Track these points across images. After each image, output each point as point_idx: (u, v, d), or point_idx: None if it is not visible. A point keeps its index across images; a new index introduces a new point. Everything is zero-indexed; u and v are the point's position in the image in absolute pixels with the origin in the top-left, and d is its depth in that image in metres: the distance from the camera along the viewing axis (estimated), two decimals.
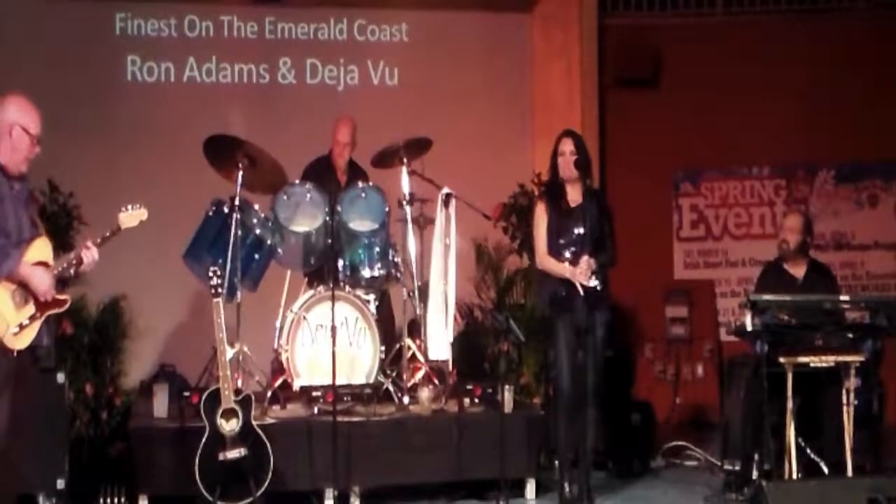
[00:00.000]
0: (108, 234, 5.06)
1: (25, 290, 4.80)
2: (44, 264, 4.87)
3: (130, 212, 5.15)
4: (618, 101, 9.52)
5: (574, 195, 6.30)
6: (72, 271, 4.95)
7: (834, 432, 6.20)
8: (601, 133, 9.37)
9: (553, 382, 6.65)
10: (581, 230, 6.19)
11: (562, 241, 6.22)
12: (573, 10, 9.38)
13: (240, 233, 6.50)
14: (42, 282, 4.82)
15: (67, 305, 4.96)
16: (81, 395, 6.73)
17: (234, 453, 5.73)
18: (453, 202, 6.83)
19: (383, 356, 6.71)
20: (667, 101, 9.47)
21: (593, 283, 6.05)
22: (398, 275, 6.91)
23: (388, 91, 9.14)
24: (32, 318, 4.83)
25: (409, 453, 6.38)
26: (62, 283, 4.96)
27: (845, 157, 9.48)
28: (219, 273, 5.97)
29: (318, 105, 8.67)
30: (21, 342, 4.77)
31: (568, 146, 6.28)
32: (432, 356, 6.82)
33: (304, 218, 6.75)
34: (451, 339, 6.81)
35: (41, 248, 4.89)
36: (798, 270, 6.81)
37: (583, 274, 6.04)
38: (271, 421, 6.32)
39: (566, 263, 6.15)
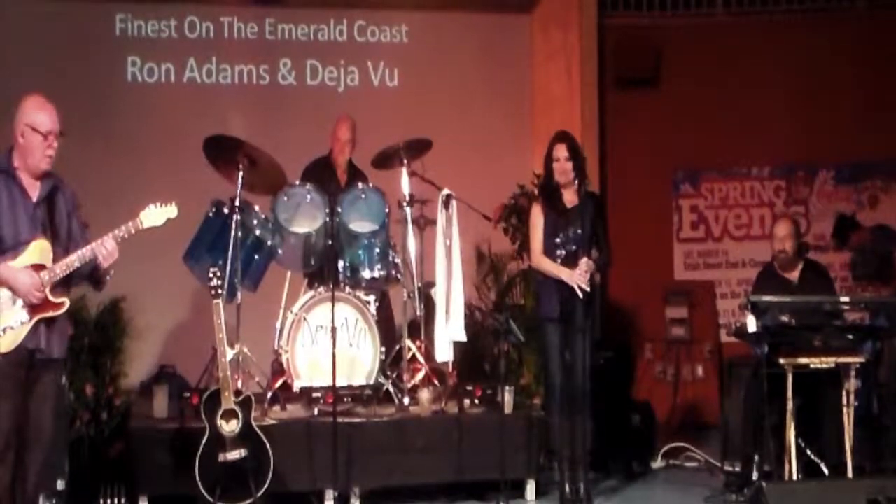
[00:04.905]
0: (123, 232, 4.87)
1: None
2: (39, 266, 4.77)
3: (154, 209, 4.96)
4: (618, 101, 9.52)
5: (570, 197, 6.32)
6: (79, 269, 4.81)
7: (834, 433, 6.21)
8: (601, 133, 9.37)
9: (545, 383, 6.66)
10: (576, 231, 6.21)
11: (557, 242, 6.24)
12: (573, 10, 9.37)
13: (240, 234, 6.50)
14: (21, 284, 4.70)
15: (64, 309, 4.84)
16: (81, 395, 6.71)
17: (234, 454, 5.72)
18: (453, 203, 6.83)
19: (383, 357, 6.71)
20: (667, 101, 9.47)
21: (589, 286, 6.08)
22: (398, 276, 6.91)
23: (388, 92, 9.13)
24: (22, 322, 4.74)
25: (409, 454, 6.39)
26: (66, 283, 4.85)
27: (845, 157, 9.47)
28: (219, 274, 5.96)
29: (319, 106, 8.66)
30: (4, 345, 4.69)
31: (562, 152, 6.29)
32: (439, 359, 6.82)
33: (304, 219, 6.74)
34: (463, 339, 6.82)
35: (38, 250, 4.80)
36: (793, 273, 6.80)
37: (581, 276, 6.07)
38: (271, 422, 6.32)
39: (558, 262, 6.19)
